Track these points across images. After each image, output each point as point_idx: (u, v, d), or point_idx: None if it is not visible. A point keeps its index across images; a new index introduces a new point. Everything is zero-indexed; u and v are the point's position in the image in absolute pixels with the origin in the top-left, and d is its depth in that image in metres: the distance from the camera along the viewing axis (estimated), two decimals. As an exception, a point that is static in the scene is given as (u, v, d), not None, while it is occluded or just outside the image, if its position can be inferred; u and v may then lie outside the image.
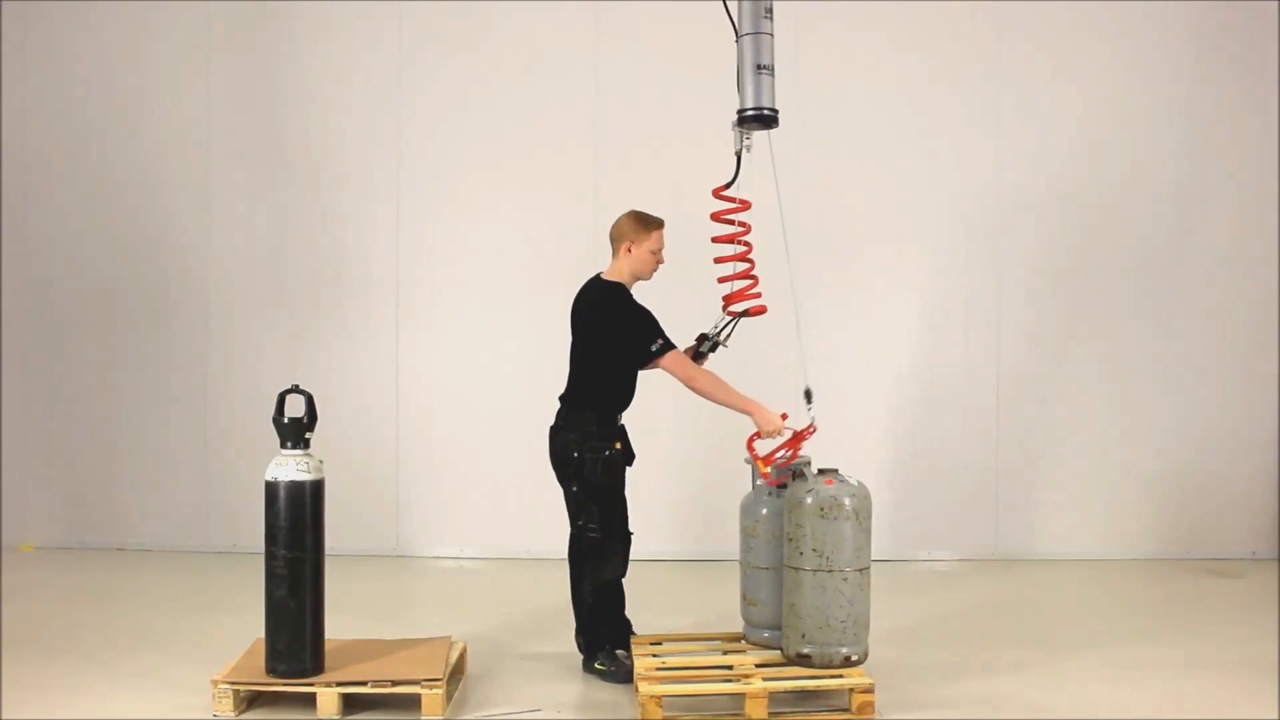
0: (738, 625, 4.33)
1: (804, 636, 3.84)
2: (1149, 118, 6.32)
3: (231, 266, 6.52)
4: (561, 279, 6.39)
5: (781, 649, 3.98)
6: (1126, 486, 6.34)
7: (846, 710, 3.75)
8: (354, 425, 6.27)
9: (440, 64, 6.44)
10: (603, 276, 4.32)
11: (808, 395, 4.20)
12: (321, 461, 3.90)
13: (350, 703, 3.80)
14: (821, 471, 3.96)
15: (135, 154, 6.55)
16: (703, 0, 6.23)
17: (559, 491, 4.30)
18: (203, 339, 6.54)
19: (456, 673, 4.07)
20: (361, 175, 6.47)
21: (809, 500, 3.83)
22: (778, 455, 4.12)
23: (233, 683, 3.77)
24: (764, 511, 4.12)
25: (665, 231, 4.37)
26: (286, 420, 3.86)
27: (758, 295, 4.30)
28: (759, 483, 4.20)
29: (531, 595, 5.43)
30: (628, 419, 4.36)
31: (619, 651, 4.23)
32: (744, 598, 4.21)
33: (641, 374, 4.41)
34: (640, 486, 6.44)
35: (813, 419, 4.15)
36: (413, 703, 3.76)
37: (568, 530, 4.35)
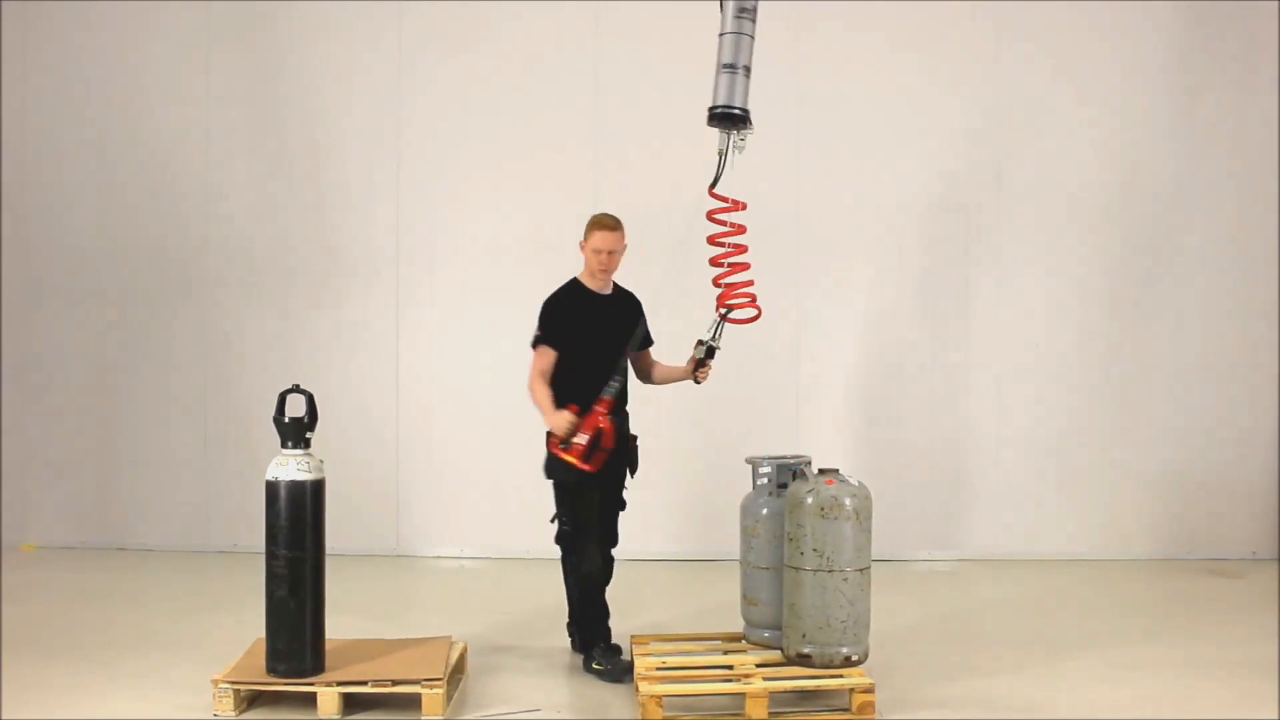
0: (738, 625, 4.33)
1: (804, 636, 3.84)
2: (1148, 117, 6.32)
3: (231, 267, 6.52)
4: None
5: (782, 649, 3.98)
6: (1127, 487, 6.34)
7: (847, 710, 3.75)
8: (354, 425, 6.26)
9: (440, 64, 6.44)
10: None
11: (612, 380, 4.17)
12: (322, 461, 3.90)
13: (350, 702, 3.80)
14: (822, 471, 3.96)
15: (135, 155, 6.55)
16: (701, 0, 6.30)
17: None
18: (203, 339, 6.54)
19: (456, 673, 4.07)
20: (362, 175, 6.47)
21: (809, 500, 3.83)
22: (578, 441, 4.08)
23: (233, 682, 3.77)
24: (764, 511, 4.12)
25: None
26: (287, 420, 3.86)
27: (751, 297, 4.22)
28: (760, 483, 4.20)
29: (531, 595, 5.43)
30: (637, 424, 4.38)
31: (615, 644, 4.27)
32: (744, 598, 4.21)
33: (636, 377, 4.42)
34: (640, 486, 6.46)
35: (612, 390, 4.15)
36: (413, 702, 3.76)
37: None
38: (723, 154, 4.22)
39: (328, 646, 3.90)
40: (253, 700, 3.87)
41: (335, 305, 6.49)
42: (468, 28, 6.40)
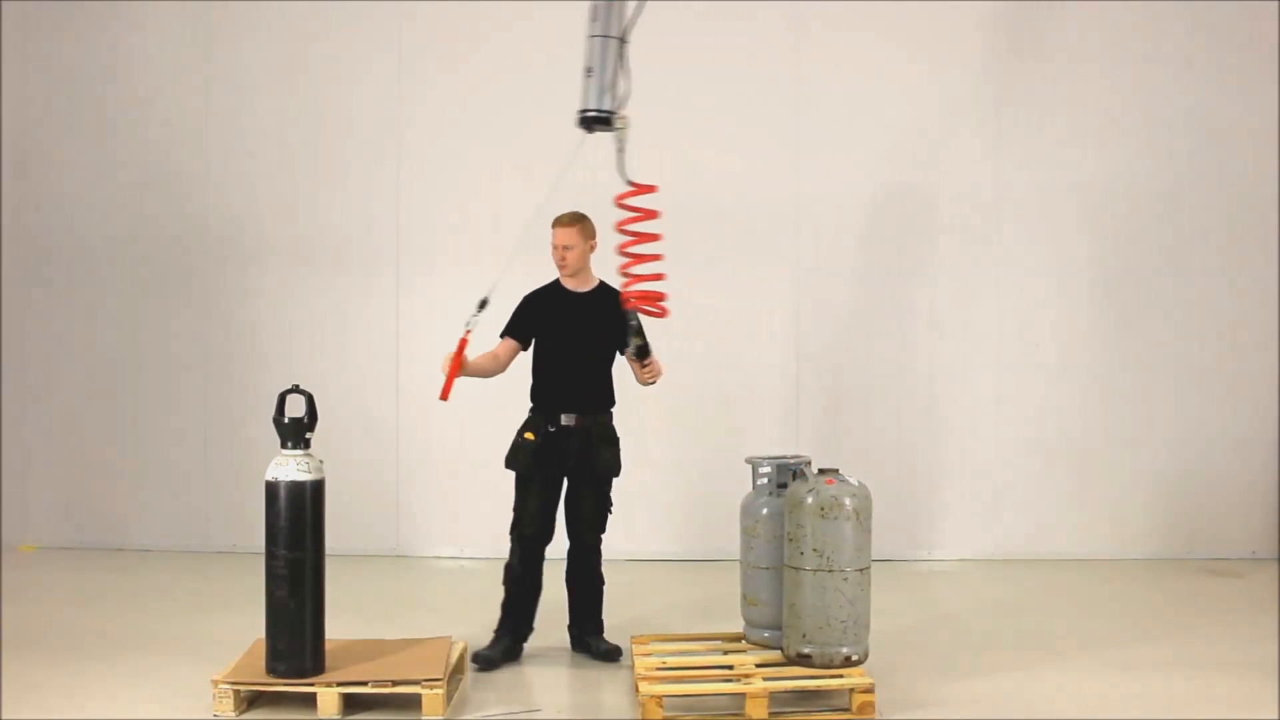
0: (738, 625, 4.33)
1: (804, 636, 3.84)
2: (1149, 118, 6.32)
3: (231, 268, 6.51)
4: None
5: (782, 649, 3.98)
6: (1126, 486, 6.33)
7: (847, 710, 3.75)
8: (354, 425, 6.26)
9: (441, 63, 6.44)
10: None
11: (481, 305, 4.18)
12: (322, 461, 3.90)
13: (350, 703, 3.80)
14: (822, 471, 3.96)
15: (134, 155, 6.54)
16: (699, 0, 6.30)
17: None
18: (202, 339, 6.53)
19: (456, 673, 4.07)
20: (362, 176, 6.46)
21: (810, 500, 3.83)
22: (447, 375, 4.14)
23: (233, 683, 3.77)
24: (764, 511, 4.13)
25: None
26: (287, 420, 3.86)
27: (658, 295, 4.17)
28: (760, 483, 4.20)
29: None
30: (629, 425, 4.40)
31: (520, 646, 4.39)
32: (744, 598, 4.21)
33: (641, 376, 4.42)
34: (641, 486, 6.47)
35: (468, 326, 4.17)
36: (413, 703, 3.76)
37: (560, 531, 4.40)
38: (620, 151, 4.22)
39: (328, 647, 3.90)
40: (253, 700, 3.87)
41: (335, 305, 6.49)
42: (468, 26, 6.40)
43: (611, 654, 4.39)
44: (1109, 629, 4.90)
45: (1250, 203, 6.31)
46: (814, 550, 3.81)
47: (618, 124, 4.14)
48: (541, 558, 4.41)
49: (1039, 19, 6.30)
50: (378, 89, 6.46)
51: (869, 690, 3.73)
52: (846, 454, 5.55)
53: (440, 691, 3.73)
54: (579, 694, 4.05)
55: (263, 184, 6.49)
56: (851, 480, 3.91)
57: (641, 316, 4.25)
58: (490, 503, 6.32)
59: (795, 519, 3.87)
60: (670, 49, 6.33)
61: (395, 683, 3.76)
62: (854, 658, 3.85)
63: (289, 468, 3.81)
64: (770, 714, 3.69)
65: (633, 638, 4.37)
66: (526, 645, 4.44)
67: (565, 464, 4.35)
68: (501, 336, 4.46)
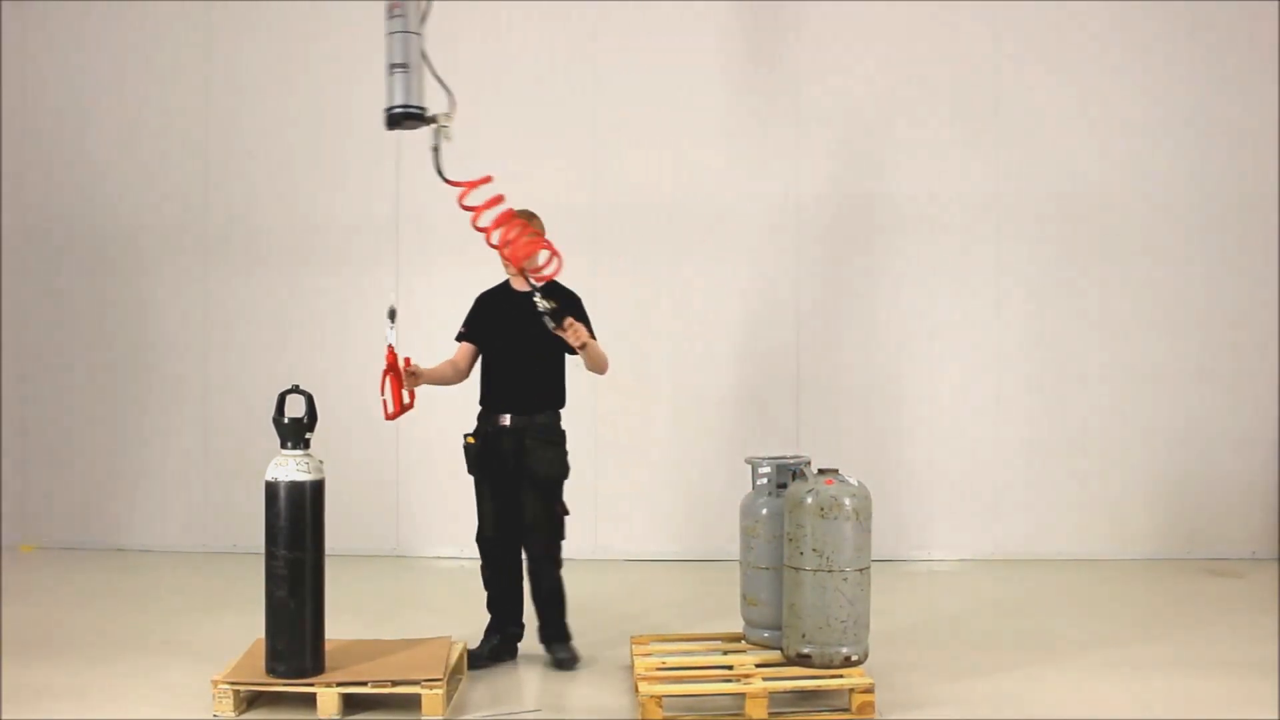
0: (738, 625, 4.33)
1: (804, 636, 3.84)
2: (1148, 117, 6.32)
3: (232, 268, 6.52)
4: (562, 278, 6.40)
5: (782, 649, 3.98)
6: (1126, 486, 6.33)
7: (846, 710, 3.74)
8: (354, 425, 6.26)
9: (441, 63, 6.42)
10: None
11: (391, 315, 4.12)
12: (321, 462, 3.91)
13: (350, 703, 3.80)
14: (821, 471, 3.96)
15: (133, 154, 6.55)
16: (696, 1, 6.31)
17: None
18: (203, 339, 6.54)
19: (456, 673, 4.07)
20: (361, 176, 6.46)
21: (809, 500, 3.83)
22: (386, 391, 4.09)
23: (233, 683, 3.77)
24: (764, 512, 4.12)
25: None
26: (286, 420, 3.86)
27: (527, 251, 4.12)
28: (760, 483, 4.20)
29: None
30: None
31: (490, 635, 4.39)
32: (744, 598, 4.21)
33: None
34: (641, 487, 6.47)
35: (388, 340, 4.12)
36: (413, 703, 3.76)
37: (564, 530, 4.40)
38: (436, 149, 4.19)
39: (327, 647, 3.90)
40: (252, 701, 3.87)
41: (336, 306, 6.49)
42: (468, 26, 6.39)
43: (564, 663, 4.29)
44: (1109, 629, 4.90)
45: (1250, 203, 6.30)
46: (814, 550, 3.81)
47: (443, 120, 4.10)
48: (508, 558, 4.36)
49: (1037, 19, 6.30)
50: (378, 89, 6.43)
51: (869, 690, 3.73)
52: (846, 454, 5.56)
53: (440, 692, 3.73)
54: (579, 694, 4.05)
55: (263, 183, 6.50)
56: (851, 480, 3.91)
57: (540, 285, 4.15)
58: (490, 503, 6.36)
59: (795, 519, 3.87)
60: (671, 49, 6.36)
61: (395, 683, 3.76)
62: (854, 658, 3.85)
63: (289, 468, 3.81)
64: (770, 714, 3.69)
65: (632, 638, 4.37)
66: (527, 645, 4.43)
67: (506, 465, 4.28)
68: (457, 340, 4.43)
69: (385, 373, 4.08)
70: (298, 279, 6.49)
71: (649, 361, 6.31)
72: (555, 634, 4.38)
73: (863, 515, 3.85)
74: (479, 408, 4.37)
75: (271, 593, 3.80)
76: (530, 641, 4.45)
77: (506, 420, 4.27)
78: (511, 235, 4.09)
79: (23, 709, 3.83)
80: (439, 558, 6.37)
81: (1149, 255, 6.33)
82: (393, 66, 4.02)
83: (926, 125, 6.34)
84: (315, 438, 3.91)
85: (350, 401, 6.26)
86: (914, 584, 5.80)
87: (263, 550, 3.83)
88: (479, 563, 4.42)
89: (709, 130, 6.36)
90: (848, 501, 3.82)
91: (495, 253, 4.18)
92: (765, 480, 4.17)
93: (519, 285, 4.36)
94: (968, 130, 6.33)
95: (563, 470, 4.35)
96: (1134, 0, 6.28)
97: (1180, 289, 6.33)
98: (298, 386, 3.91)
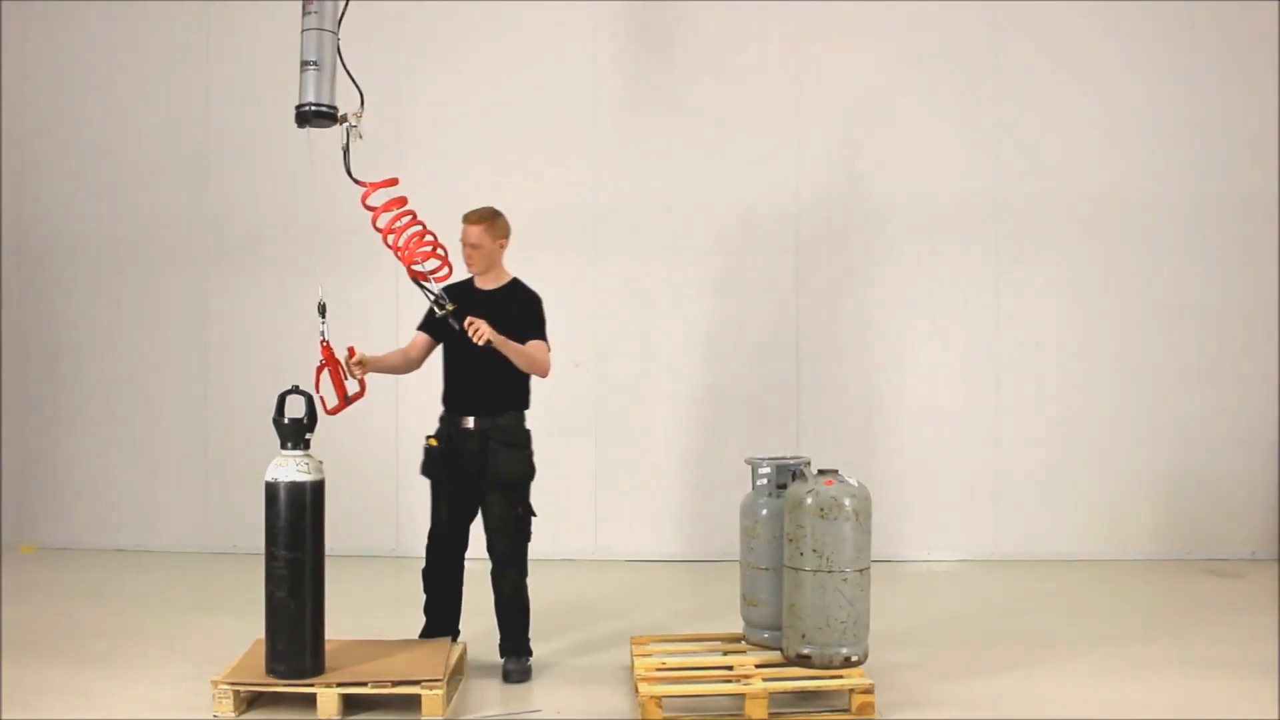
0: (738, 626, 4.33)
1: (804, 637, 3.84)
2: (1148, 117, 6.31)
3: (231, 267, 6.51)
4: (560, 277, 6.41)
5: (781, 649, 3.98)
6: (1126, 486, 6.33)
7: (846, 711, 3.75)
8: (354, 425, 6.25)
9: (441, 63, 6.44)
10: None
11: (320, 310, 4.12)
12: (321, 462, 3.91)
13: (350, 703, 3.80)
14: (821, 472, 3.96)
15: (134, 154, 6.55)
16: (693, 1, 6.31)
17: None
18: (202, 340, 6.54)
19: (456, 673, 4.07)
20: (361, 176, 6.43)
21: (809, 501, 3.83)
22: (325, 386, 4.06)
23: (233, 683, 3.77)
24: (764, 512, 4.12)
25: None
26: (286, 421, 3.86)
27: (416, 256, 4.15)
28: (759, 483, 4.19)
29: (529, 596, 5.42)
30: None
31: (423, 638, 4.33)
32: (744, 598, 4.21)
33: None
34: (641, 487, 6.47)
35: (322, 336, 4.10)
36: (413, 703, 3.76)
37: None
38: (345, 149, 4.19)
39: (327, 647, 3.90)
40: (252, 701, 3.87)
41: (334, 306, 6.45)
42: (468, 27, 6.40)
43: (507, 675, 4.18)
44: (1109, 629, 4.90)
45: (1250, 202, 6.30)
46: (814, 551, 3.81)
47: (353, 119, 4.08)
48: (454, 562, 4.34)
49: (1037, 19, 6.30)
50: (378, 89, 6.43)
51: (868, 691, 3.73)
52: (846, 454, 5.56)
53: (440, 692, 3.74)
54: (579, 694, 4.05)
55: (263, 184, 6.49)
56: (851, 481, 3.91)
57: (436, 286, 4.15)
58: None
59: (795, 519, 3.86)
60: (668, 47, 6.36)
61: (395, 683, 3.76)
62: (854, 658, 3.85)
63: (288, 468, 3.81)
64: (770, 714, 3.69)
65: (632, 638, 4.38)
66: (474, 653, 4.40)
67: (469, 468, 4.22)
68: (417, 330, 4.40)
69: (320, 369, 4.03)
70: (298, 278, 6.47)
71: (649, 361, 6.31)
72: (514, 646, 4.27)
73: (862, 516, 3.85)
74: (445, 406, 4.33)
75: (271, 593, 3.80)
76: (531, 641, 4.44)
77: (470, 422, 4.22)
78: (402, 241, 4.09)
79: (23, 709, 3.83)
80: (439, 558, 6.36)
81: (1149, 255, 6.33)
82: (304, 64, 4.00)
83: (927, 125, 6.33)
84: (315, 438, 3.91)
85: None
86: (914, 584, 5.80)
87: (263, 551, 3.83)
88: (422, 564, 4.41)
89: (708, 131, 6.35)
90: (847, 502, 3.82)
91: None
92: (765, 481, 4.17)
93: (481, 284, 4.36)
94: (968, 130, 6.33)
95: (528, 472, 4.27)
96: (1134, 0, 6.28)
97: (1180, 289, 6.33)
98: (297, 387, 3.92)
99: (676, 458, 6.33)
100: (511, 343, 4.10)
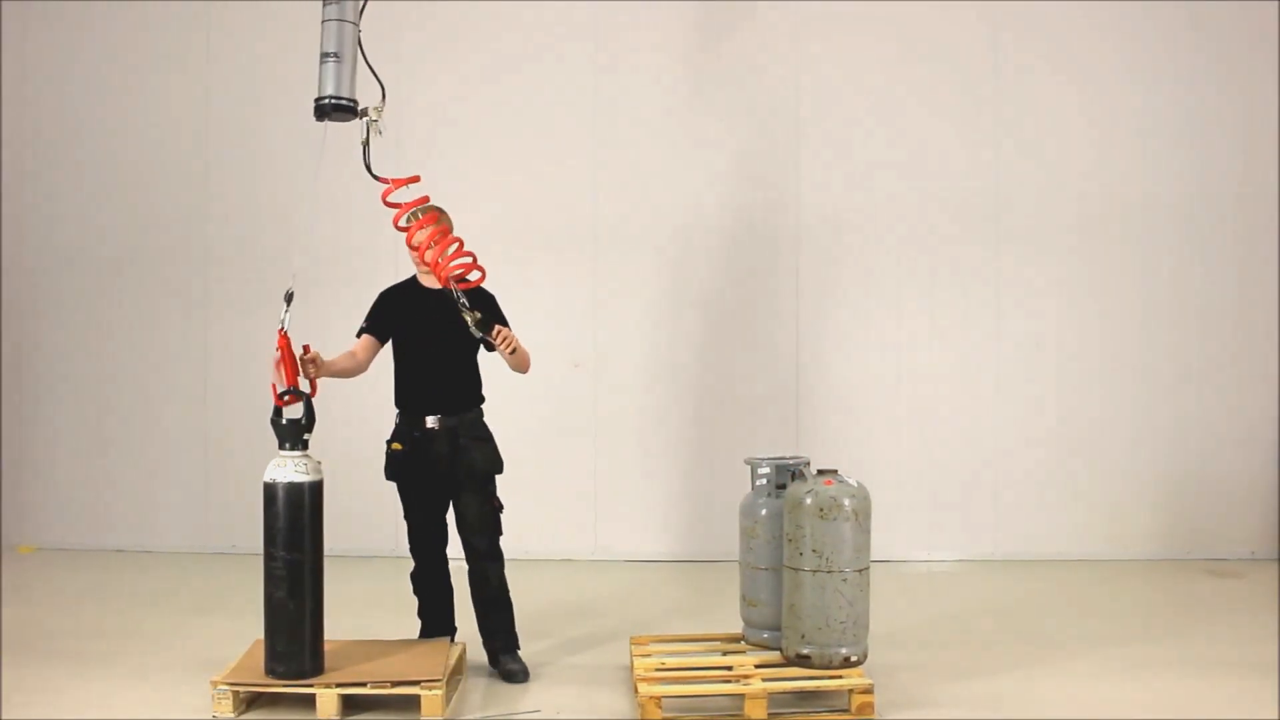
0: (737, 625, 4.33)
1: (804, 637, 3.84)
2: (1148, 117, 6.31)
3: (231, 267, 6.51)
4: (559, 277, 6.42)
5: (781, 650, 3.98)
6: (1126, 487, 6.33)
7: (846, 711, 3.75)
8: (354, 425, 6.26)
9: (441, 63, 6.44)
10: None
11: (287, 298, 4.10)
12: (320, 463, 3.90)
13: (350, 704, 3.80)
14: (821, 472, 3.96)
15: (134, 154, 6.55)
16: (692, 1, 6.31)
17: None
18: (202, 340, 6.54)
19: (456, 673, 4.07)
20: (361, 175, 6.44)
21: (809, 501, 3.83)
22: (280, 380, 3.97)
23: (232, 684, 3.77)
24: (764, 512, 4.12)
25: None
26: (285, 422, 3.86)
27: (470, 258, 4.11)
28: (759, 483, 4.19)
29: (528, 596, 5.40)
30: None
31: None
32: (744, 598, 4.21)
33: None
34: (641, 487, 6.47)
35: (282, 323, 4.06)
36: (412, 704, 3.76)
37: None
38: (365, 144, 4.12)
39: (327, 647, 3.90)
40: (252, 701, 3.87)
41: (332, 306, 6.47)
42: (468, 26, 6.40)
43: (513, 675, 4.16)
44: (1109, 629, 4.90)
45: (1250, 202, 6.30)
46: (813, 551, 3.81)
47: (373, 114, 4.01)
48: (440, 563, 4.33)
49: (1037, 19, 6.30)
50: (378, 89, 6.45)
51: (868, 691, 3.73)
52: (845, 454, 5.56)
53: (439, 693, 3.74)
54: (578, 695, 4.05)
55: (262, 185, 6.49)
56: (850, 481, 3.91)
57: (466, 292, 4.09)
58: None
59: (794, 520, 3.86)
60: (670, 49, 6.36)
61: (394, 684, 3.76)
62: (853, 658, 3.85)
63: (287, 469, 3.81)
64: (769, 715, 3.69)
65: (632, 638, 4.37)
66: (525, 646, 4.41)
67: (437, 468, 4.20)
68: (359, 335, 4.33)
69: (278, 363, 3.95)
70: (299, 278, 6.46)
71: (649, 362, 6.31)
72: (504, 644, 4.26)
73: (862, 516, 3.85)
74: (397, 412, 4.26)
75: (270, 594, 3.80)
76: (531, 641, 4.44)
77: (434, 422, 4.18)
78: (440, 254, 4.05)
79: (23, 709, 3.83)
80: (439, 558, 6.36)
81: (1148, 255, 6.32)
82: (324, 56, 3.90)
83: (927, 124, 6.34)
84: (314, 438, 3.90)
85: (349, 402, 6.26)
86: (913, 584, 5.80)
87: (262, 551, 3.83)
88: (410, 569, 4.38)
89: (708, 132, 6.35)
90: (847, 502, 3.82)
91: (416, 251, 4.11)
92: (765, 481, 4.17)
93: (428, 283, 4.29)
94: (968, 130, 6.33)
95: (499, 465, 4.29)
96: (1134, 0, 6.28)
97: (1180, 288, 6.32)
98: (297, 387, 3.91)
99: (676, 458, 6.32)
100: (510, 333, 4.15)
